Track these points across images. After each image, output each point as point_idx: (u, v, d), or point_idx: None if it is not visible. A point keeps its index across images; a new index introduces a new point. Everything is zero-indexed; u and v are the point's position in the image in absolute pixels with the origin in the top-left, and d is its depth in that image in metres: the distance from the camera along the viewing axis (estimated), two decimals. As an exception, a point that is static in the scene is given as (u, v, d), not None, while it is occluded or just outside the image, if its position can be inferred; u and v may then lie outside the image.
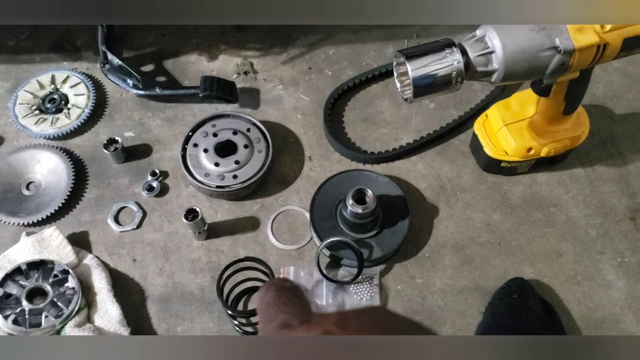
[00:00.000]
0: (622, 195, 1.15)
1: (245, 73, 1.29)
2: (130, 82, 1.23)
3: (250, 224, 1.11)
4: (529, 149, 1.08)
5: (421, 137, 1.20)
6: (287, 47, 1.33)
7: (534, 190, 1.15)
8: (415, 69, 0.83)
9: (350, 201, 1.00)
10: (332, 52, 1.32)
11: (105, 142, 1.15)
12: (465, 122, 1.22)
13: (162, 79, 1.28)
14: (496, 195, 1.14)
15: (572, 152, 1.15)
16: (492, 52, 0.83)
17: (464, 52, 0.84)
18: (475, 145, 1.15)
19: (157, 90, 1.22)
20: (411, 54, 0.84)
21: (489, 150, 1.11)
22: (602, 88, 1.27)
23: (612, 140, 1.21)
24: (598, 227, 1.11)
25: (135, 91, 1.23)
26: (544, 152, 1.08)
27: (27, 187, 1.14)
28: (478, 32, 0.85)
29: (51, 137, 1.19)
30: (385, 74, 1.27)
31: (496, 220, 1.12)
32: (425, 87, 0.84)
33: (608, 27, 0.84)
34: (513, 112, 1.09)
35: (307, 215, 1.10)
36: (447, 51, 0.83)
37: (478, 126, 1.14)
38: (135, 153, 1.18)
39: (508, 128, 1.08)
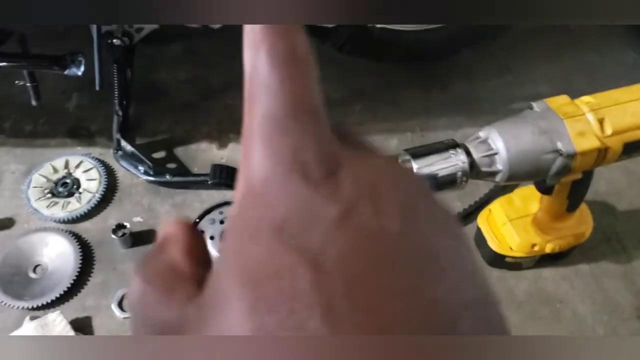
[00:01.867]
0: (628, 293, 1.14)
1: (254, 161, 1.32)
2: (141, 168, 1.26)
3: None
4: (533, 245, 1.09)
5: (426, 229, 1.21)
6: (296, 137, 1.37)
7: (540, 285, 1.15)
8: (421, 167, 0.85)
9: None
10: (339, 142, 1.36)
11: (114, 227, 1.16)
12: (469, 215, 1.23)
13: (172, 165, 1.31)
14: (501, 290, 1.14)
15: (577, 247, 1.15)
16: (496, 153, 0.85)
17: (468, 153, 0.86)
18: (480, 240, 1.16)
19: (168, 177, 1.25)
20: (417, 153, 0.87)
21: (493, 245, 1.12)
22: (604, 185, 1.29)
23: (615, 236, 1.22)
24: (605, 325, 1.10)
25: (146, 177, 1.26)
26: (548, 249, 1.09)
27: (34, 270, 1.14)
28: (481, 134, 0.88)
29: (61, 220, 1.20)
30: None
31: (501, 316, 1.11)
32: (430, 185, 0.86)
33: (609, 132, 0.87)
34: (516, 208, 1.11)
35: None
36: (451, 152, 0.86)
37: (482, 220, 1.15)
38: (142, 239, 1.20)
39: (512, 224, 1.09)
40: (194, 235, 0.25)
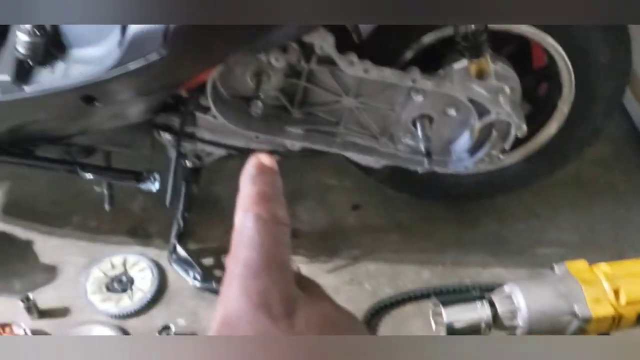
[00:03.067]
0: None
1: (293, 277, 1.42)
2: (191, 273, 1.37)
3: None
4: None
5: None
6: (333, 257, 1.47)
7: None
8: (450, 316, 0.95)
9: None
10: (373, 267, 1.45)
11: (160, 328, 1.26)
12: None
13: (219, 273, 1.42)
14: None
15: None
16: (517, 310, 0.94)
17: (492, 305, 0.96)
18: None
19: (214, 284, 1.36)
20: (447, 302, 0.96)
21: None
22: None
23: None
24: None
25: (194, 282, 1.37)
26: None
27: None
28: (506, 289, 0.98)
29: (112, 315, 1.31)
30: (420, 296, 1.38)
31: None
32: (457, 331, 0.95)
33: (624, 301, 0.95)
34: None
35: None
36: (478, 303, 0.95)
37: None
38: (184, 341, 1.29)
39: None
40: None
